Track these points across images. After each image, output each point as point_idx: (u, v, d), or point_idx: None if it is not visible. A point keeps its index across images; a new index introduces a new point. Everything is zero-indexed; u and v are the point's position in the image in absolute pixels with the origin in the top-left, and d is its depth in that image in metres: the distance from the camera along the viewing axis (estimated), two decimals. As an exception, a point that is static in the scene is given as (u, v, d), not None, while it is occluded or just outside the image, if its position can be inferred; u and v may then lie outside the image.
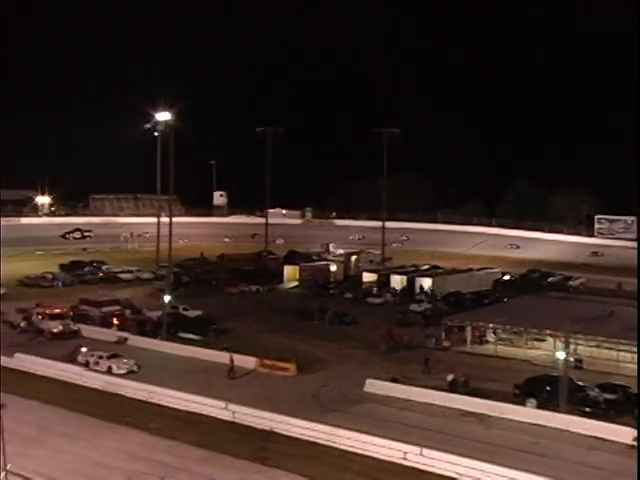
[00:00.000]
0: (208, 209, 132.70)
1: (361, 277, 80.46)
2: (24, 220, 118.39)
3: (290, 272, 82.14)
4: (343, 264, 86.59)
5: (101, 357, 47.36)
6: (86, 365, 47.18)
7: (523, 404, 40.44)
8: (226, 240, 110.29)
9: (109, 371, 46.22)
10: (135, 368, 46.94)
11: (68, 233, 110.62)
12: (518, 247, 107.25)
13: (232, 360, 46.76)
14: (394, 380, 44.30)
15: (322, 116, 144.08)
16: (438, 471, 32.26)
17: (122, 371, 46.29)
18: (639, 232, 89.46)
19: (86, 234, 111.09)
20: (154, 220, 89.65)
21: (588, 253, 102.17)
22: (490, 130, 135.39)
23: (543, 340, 52.00)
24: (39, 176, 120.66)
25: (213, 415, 38.82)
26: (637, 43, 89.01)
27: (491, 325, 54.22)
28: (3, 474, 26.39)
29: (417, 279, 75.14)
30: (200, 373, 46.60)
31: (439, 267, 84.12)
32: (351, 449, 34.43)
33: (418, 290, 73.14)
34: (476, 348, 53.10)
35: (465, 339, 53.91)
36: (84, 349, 48.94)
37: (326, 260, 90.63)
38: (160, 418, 38.66)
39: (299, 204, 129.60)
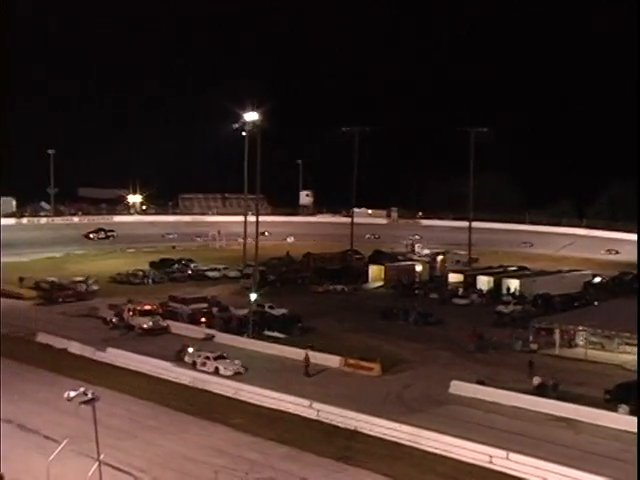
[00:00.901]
0: (294, 208, 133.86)
1: (447, 278, 79.74)
2: (116, 218, 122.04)
3: (375, 272, 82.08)
4: (429, 264, 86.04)
5: (208, 358, 46.71)
6: (193, 365, 46.80)
7: (614, 410, 39.32)
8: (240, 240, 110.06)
9: (216, 372, 45.51)
10: (242, 370, 46.22)
11: (92, 233, 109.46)
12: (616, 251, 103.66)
13: (307, 358, 47.17)
14: (480, 382, 43.74)
15: (409, 115, 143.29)
16: (524, 476, 31.66)
17: (229, 372, 45.52)
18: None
19: (109, 234, 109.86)
20: (241, 219, 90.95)
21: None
22: (581, 130, 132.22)
23: (636, 344, 50.47)
24: (131, 176, 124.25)
25: (297, 413, 39.08)
26: None
27: (581, 328, 52.92)
28: (96, 464, 27.18)
29: (504, 280, 73.88)
30: (285, 371, 46.97)
31: (527, 268, 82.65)
32: (435, 450, 34.14)
33: (505, 291, 72.07)
34: (565, 351, 51.92)
35: (554, 342, 52.80)
36: (191, 349, 48.39)
37: (412, 260, 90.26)
38: (245, 415, 39.15)
39: (385, 204, 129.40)
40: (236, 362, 46.87)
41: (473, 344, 53.00)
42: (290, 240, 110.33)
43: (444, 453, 33.87)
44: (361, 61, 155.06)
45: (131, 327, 57.33)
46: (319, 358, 48.86)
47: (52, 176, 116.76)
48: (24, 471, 30.22)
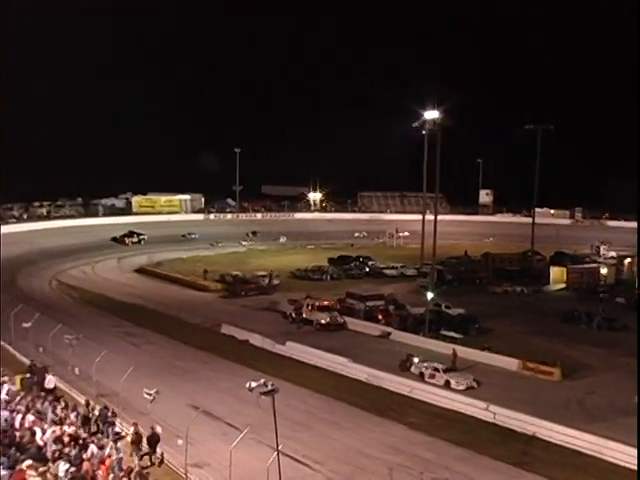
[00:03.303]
0: (474, 207, 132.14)
1: (634, 281, 75.95)
2: (297, 215, 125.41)
3: (557, 274, 79.48)
4: (615, 267, 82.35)
5: (437, 370, 44.19)
6: (420, 377, 44.39)
7: None
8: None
9: (447, 385, 42.82)
10: (474, 384, 43.38)
11: (126, 237, 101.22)
12: None
13: (455, 354, 47.06)
14: (668, 393, 41.33)
15: (595, 113, 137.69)
16: None
17: (461, 387, 42.58)
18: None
19: (141, 237, 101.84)
20: (419, 218, 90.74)
21: None
22: None
23: None
24: (313, 173, 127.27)
25: (473, 414, 38.53)
26: None
27: None
28: (275, 454, 27.98)
29: (699, 286, 69.59)
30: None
31: None
32: (620, 463, 32.56)
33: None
34: None
35: None
36: (416, 359, 46.07)
37: (596, 262, 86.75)
38: (420, 413, 39.03)
39: (569, 204, 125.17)
40: (469, 376, 44.12)
41: None
42: (282, 240, 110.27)
43: (630, 466, 32.18)
44: (544, 58, 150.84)
45: (309, 322, 58.54)
46: (497, 360, 48.00)
47: (238, 174, 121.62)
48: (208, 455, 31.69)
